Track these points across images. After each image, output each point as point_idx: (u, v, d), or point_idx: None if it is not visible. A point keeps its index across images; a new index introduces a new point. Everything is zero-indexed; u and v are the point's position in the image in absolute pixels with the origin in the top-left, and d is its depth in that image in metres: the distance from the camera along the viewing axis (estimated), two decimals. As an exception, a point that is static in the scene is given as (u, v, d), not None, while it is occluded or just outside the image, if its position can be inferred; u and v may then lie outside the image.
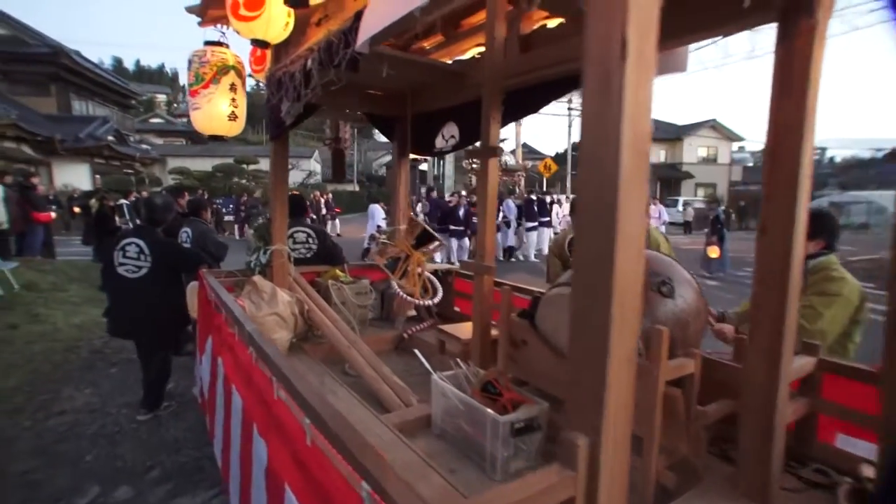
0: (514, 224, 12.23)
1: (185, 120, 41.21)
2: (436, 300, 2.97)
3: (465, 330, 2.67)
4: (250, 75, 3.21)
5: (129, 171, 22.03)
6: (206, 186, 20.63)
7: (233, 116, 3.00)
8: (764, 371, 1.41)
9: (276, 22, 2.26)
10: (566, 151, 25.77)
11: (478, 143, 2.77)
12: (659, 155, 37.04)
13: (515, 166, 16.35)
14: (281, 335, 2.72)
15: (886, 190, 34.69)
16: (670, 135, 37.64)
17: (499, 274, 2.44)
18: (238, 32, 2.33)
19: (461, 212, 10.84)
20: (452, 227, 10.94)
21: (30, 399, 3.73)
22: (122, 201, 11.68)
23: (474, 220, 11.02)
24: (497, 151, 2.21)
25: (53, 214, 9.78)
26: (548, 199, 13.73)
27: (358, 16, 1.68)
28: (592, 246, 0.89)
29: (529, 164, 16.50)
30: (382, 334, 3.21)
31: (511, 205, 12.87)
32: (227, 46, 2.96)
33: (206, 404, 2.71)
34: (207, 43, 2.90)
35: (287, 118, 2.57)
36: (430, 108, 3.04)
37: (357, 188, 32.49)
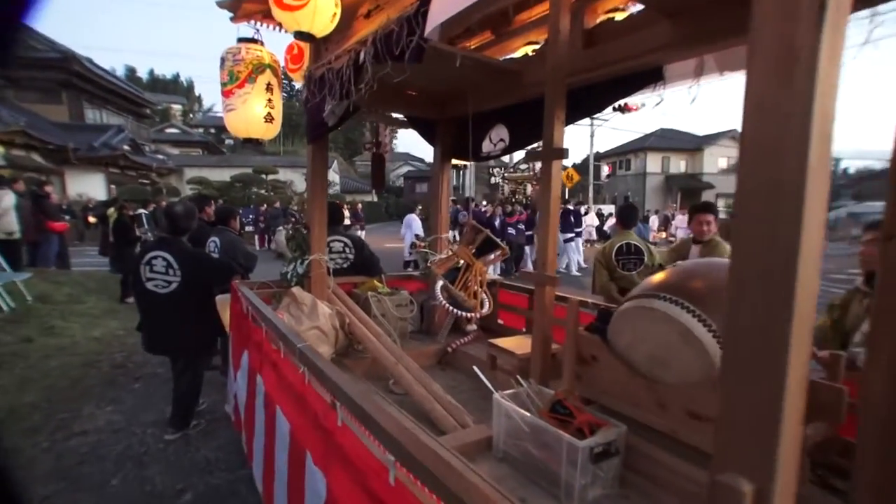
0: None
1: (201, 130, 41.87)
2: (484, 312, 2.81)
3: (518, 344, 2.54)
4: (285, 75, 3.10)
5: (146, 181, 22.24)
6: (224, 196, 20.76)
7: (269, 118, 2.89)
8: (889, 391, 1.26)
9: (323, 13, 2.14)
10: (587, 160, 25.58)
11: (529, 147, 2.67)
12: (679, 165, 36.67)
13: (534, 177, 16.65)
14: (323, 350, 2.58)
15: None
16: (690, 145, 37.28)
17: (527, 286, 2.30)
18: (281, 25, 2.21)
19: (496, 222, 10.67)
20: None
21: (48, 417, 3.58)
22: (141, 211, 11.70)
23: (509, 230, 10.88)
24: (563, 153, 2.07)
25: (68, 224, 9.69)
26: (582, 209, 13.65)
27: (424, 0, 1.53)
28: (763, 256, 0.77)
29: (571, 171, 16.59)
30: (424, 348, 3.09)
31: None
32: (262, 44, 2.85)
33: (243, 423, 2.55)
34: (241, 40, 2.79)
35: (330, 118, 2.45)
36: (477, 110, 2.90)
37: (375, 198, 32.57)
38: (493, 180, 26.78)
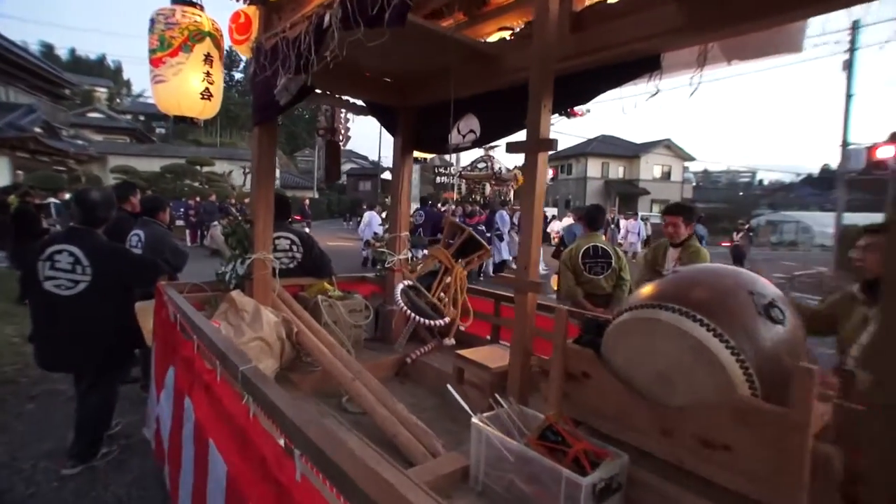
0: (507, 237, 11.86)
1: (128, 117, 38.97)
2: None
3: (489, 356, 2.35)
4: (229, 57, 2.69)
5: (61, 167, 20.25)
6: (153, 188, 19.31)
7: (207, 94, 2.50)
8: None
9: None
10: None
11: (503, 140, 2.45)
12: (618, 171, 38.35)
13: (507, 175, 16.09)
14: (267, 364, 2.23)
15: (807, 211, 38.78)
16: (628, 152, 39.15)
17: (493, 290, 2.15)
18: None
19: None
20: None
21: None
22: (51, 200, 10.59)
23: None
24: (551, 144, 1.88)
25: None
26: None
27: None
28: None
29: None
30: (381, 359, 2.88)
31: (505, 216, 12.47)
32: (202, 9, 2.46)
33: (166, 454, 2.13)
34: (176, 2, 2.37)
35: (282, 96, 2.11)
36: (445, 98, 2.61)
37: (316, 195, 31.64)
38: (438, 180, 26.72)
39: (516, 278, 1.92)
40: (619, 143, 39.44)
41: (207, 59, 2.50)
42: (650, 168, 38.75)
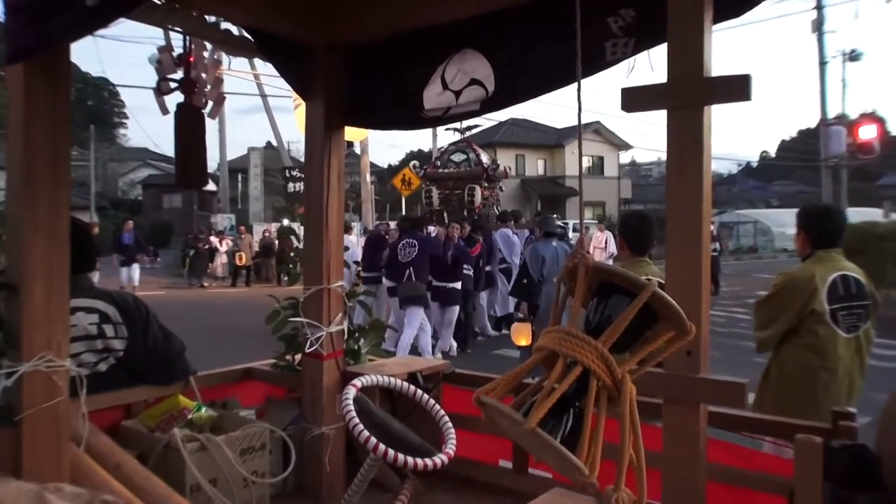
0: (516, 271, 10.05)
1: None
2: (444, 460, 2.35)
3: None
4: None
5: None
6: None
7: None
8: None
9: None
10: (425, 158, 26.08)
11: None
12: (537, 166, 40.37)
13: (498, 173, 14.42)
14: None
15: (753, 208, 44.13)
16: (549, 140, 41.54)
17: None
18: None
19: (448, 252, 9.66)
20: (438, 283, 9.75)
21: None
22: None
23: (465, 268, 9.95)
24: (736, 87, 1.62)
25: None
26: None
27: None
28: None
29: (509, 167, 14.79)
30: None
31: (513, 238, 11.65)
32: None
33: None
34: None
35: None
36: (411, 23, 2.55)
37: (95, 217, 29.03)
38: (292, 187, 25.83)
39: (674, 375, 1.69)
40: (537, 128, 41.63)
41: None
42: (576, 160, 41.34)
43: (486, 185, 13.51)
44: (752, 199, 56.31)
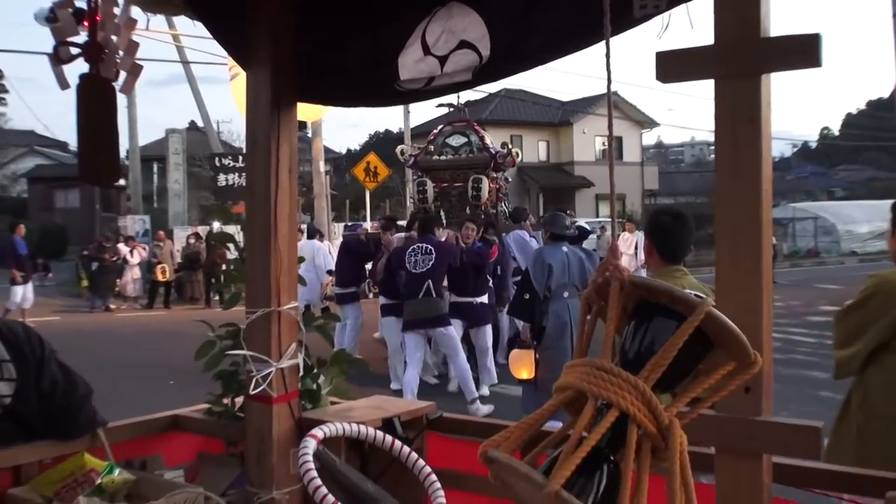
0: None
1: None
2: None
3: None
4: None
5: None
6: None
7: None
8: None
9: None
10: (396, 139, 26.04)
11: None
12: (538, 149, 40.62)
13: (507, 160, 14.40)
14: None
15: (814, 200, 44.17)
16: (552, 116, 42.01)
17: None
18: None
19: (472, 260, 9.83)
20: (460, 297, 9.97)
21: None
22: None
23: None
24: (806, 48, 1.66)
25: None
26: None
27: None
28: None
29: (517, 152, 14.78)
30: None
31: (528, 241, 11.84)
32: None
33: None
34: None
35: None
36: None
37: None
38: (224, 180, 25.68)
39: (729, 419, 1.75)
40: (537, 101, 41.84)
41: None
42: (588, 141, 41.56)
43: (494, 175, 13.72)
44: (810, 188, 56.72)
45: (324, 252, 12.96)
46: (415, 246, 9.60)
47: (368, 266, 11.95)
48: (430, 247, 9.54)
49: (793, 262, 33.65)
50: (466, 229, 10.28)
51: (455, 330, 9.83)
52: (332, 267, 12.03)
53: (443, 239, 10.84)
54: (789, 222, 38.54)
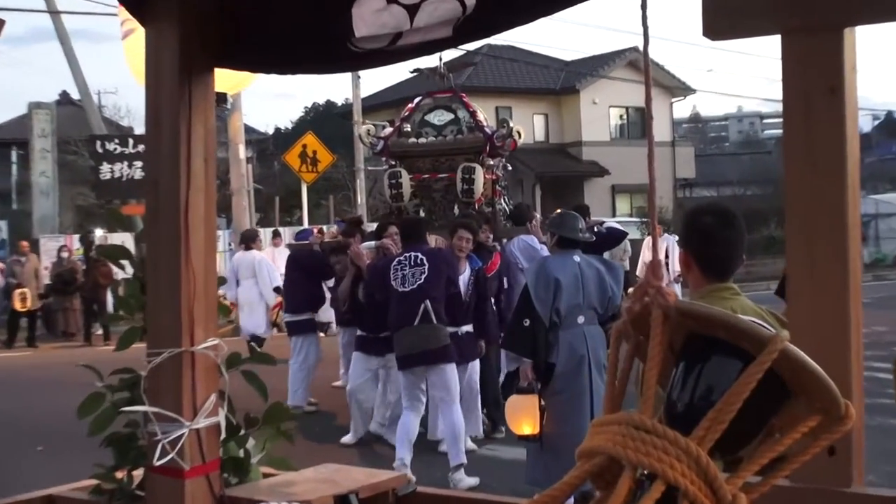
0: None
1: None
2: None
3: None
4: None
5: None
6: None
7: None
8: None
9: None
10: (343, 113, 26.08)
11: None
12: (535, 126, 40.57)
13: (507, 142, 14.27)
14: None
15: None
16: (551, 82, 42.03)
17: None
18: None
19: (470, 272, 10.17)
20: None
21: None
22: None
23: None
24: None
25: None
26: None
27: None
28: None
29: (519, 130, 14.70)
30: None
31: (537, 247, 11.91)
32: None
33: None
34: None
35: None
36: None
37: None
38: (108, 171, 25.65)
39: (810, 490, 1.92)
40: (532, 61, 41.97)
41: None
42: (600, 115, 41.69)
43: (490, 162, 13.69)
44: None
45: (267, 265, 13.31)
46: (400, 257, 9.59)
47: (328, 284, 11.91)
48: (420, 256, 9.51)
49: (875, 274, 33.80)
50: (460, 239, 10.21)
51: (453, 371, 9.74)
52: (279, 283, 12.39)
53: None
54: (870, 220, 38.69)
